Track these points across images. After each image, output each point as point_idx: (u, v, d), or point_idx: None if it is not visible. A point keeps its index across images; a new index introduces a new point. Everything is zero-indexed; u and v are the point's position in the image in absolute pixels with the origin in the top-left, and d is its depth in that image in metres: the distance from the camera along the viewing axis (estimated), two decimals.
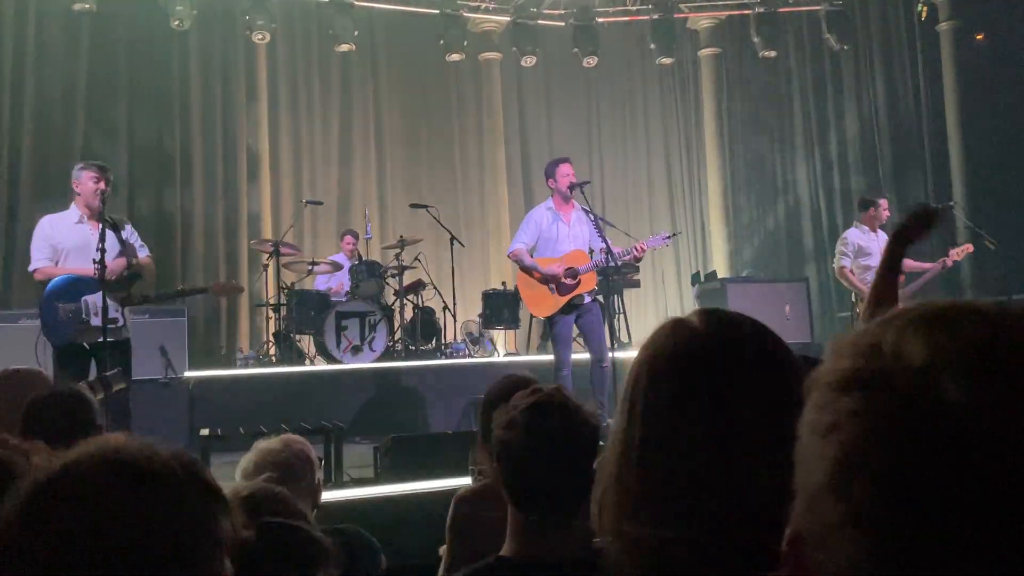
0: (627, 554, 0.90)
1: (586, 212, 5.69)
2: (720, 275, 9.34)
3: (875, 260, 6.19)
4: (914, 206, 2.16)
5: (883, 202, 6.57)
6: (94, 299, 4.34)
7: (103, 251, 4.30)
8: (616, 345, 6.03)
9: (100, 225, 4.43)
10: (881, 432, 0.45)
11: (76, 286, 4.40)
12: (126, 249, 4.49)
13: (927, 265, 6.57)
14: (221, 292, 5.30)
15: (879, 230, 6.48)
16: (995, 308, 0.48)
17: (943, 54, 9.97)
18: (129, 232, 4.69)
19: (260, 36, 8.92)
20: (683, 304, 10.58)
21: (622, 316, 8.22)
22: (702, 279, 9.12)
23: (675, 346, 0.95)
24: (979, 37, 9.65)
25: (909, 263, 6.25)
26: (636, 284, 8.52)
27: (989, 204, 8.95)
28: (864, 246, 6.36)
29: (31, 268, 4.60)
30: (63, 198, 8.32)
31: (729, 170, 11.04)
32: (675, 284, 10.85)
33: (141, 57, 9.00)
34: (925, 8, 9.92)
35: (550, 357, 6.15)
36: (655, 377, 0.94)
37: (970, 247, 6.73)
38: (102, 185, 4.56)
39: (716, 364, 0.92)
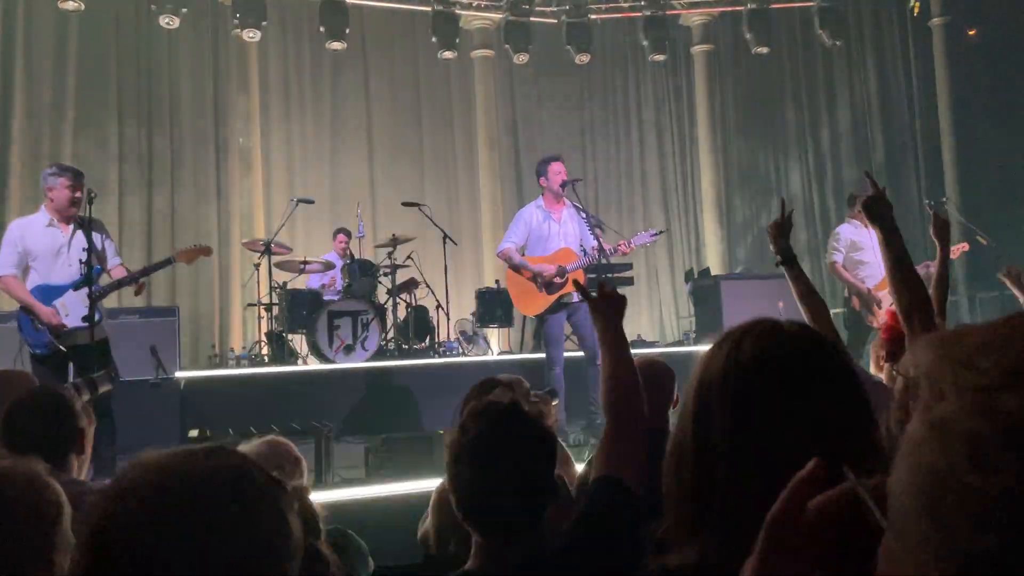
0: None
1: (578, 209, 5.66)
2: (714, 272, 9.32)
3: (868, 255, 6.16)
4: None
5: None
6: (62, 301, 4.33)
7: (90, 252, 4.28)
8: None
9: (71, 227, 4.41)
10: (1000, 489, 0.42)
11: (47, 293, 4.39)
12: (93, 254, 4.38)
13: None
14: (188, 258, 5.01)
15: (871, 226, 6.42)
16: None
17: (935, 50, 9.99)
18: (104, 239, 4.61)
19: (251, 34, 8.87)
20: (677, 301, 10.58)
21: None
22: (695, 276, 9.10)
23: (727, 365, 0.97)
24: (971, 32, 9.66)
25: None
26: (629, 281, 8.48)
27: (981, 199, 8.97)
28: (856, 241, 6.30)
29: None
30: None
31: (722, 166, 11.03)
32: (669, 281, 10.84)
33: (130, 56, 8.96)
34: (917, 4, 9.94)
35: (543, 355, 6.13)
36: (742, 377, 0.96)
37: (966, 245, 6.70)
38: (77, 193, 4.47)
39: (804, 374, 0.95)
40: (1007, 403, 0.42)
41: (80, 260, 4.31)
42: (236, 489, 0.81)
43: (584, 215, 5.64)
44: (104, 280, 4.62)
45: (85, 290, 4.31)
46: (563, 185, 5.56)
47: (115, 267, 4.65)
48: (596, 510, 1.47)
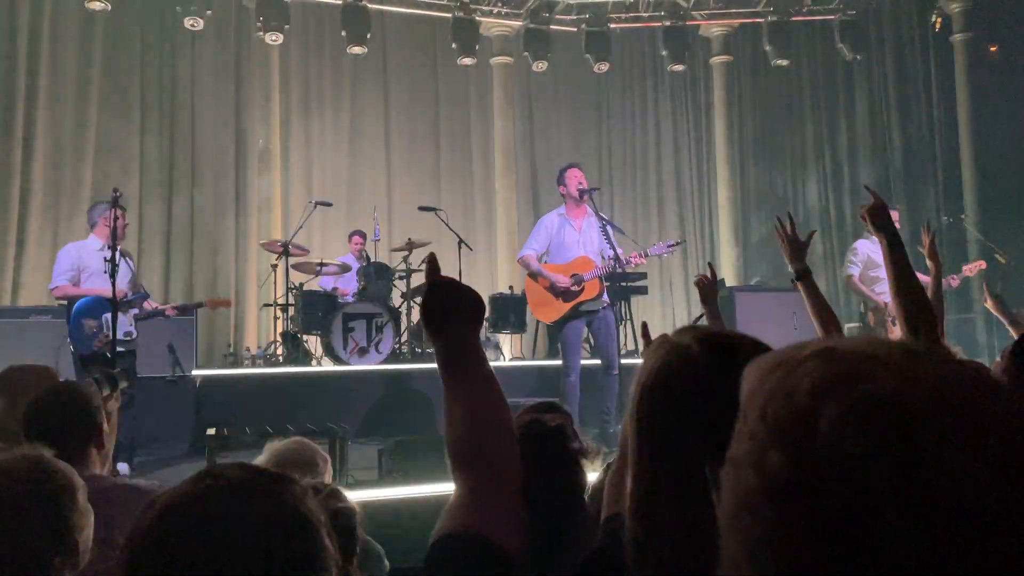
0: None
1: (598, 216, 5.68)
2: (728, 283, 9.30)
3: (884, 271, 6.12)
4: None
5: (892, 213, 6.46)
6: (109, 317, 4.98)
7: (114, 274, 4.74)
8: (623, 352, 6.02)
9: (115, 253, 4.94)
10: (764, 472, 0.46)
11: (100, 306, 4.99)
12: (135, 275, 5.37)
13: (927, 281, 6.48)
14: (212, 306, 6.07)
15: None
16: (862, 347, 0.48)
17: (956, 65, 9.94)
18: (133, 267, 5.50)
19: (273, 38, 8.95)
20: (691, 312, 10.56)
21: (628, 323, 8.20)
22: None
23: (670, 374, 0.95)
24: (993, 49, 9.62)
25: (921, 277, 6.09)
26: (644, 291, 8.49)
27: (1000, 217, 8.91)
28: (874, 257, 6.29)
29: (52, 286, 5.24)
30: (73, 196, 8.41)
31: (739, 178, 11.01)
32: (683, 292, 10.83)
33: (154, 57, 9.06)
34: (939, 19, 9.90)
35: (556, 362, 6.14)
36: (654, 403, 0.95)
37: (983, 263, 6.65)
38: (123, 220, 5.17)
39: (713, 396, 0.91)
40: (772, 460, 0.45)
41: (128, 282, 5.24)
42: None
43: (601, 223, 5.66)
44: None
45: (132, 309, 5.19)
46: (580, 192, 5.59)
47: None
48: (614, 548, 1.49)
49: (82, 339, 5.00)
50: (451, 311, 1.12)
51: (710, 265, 2.91)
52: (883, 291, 6.17)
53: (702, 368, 0.93)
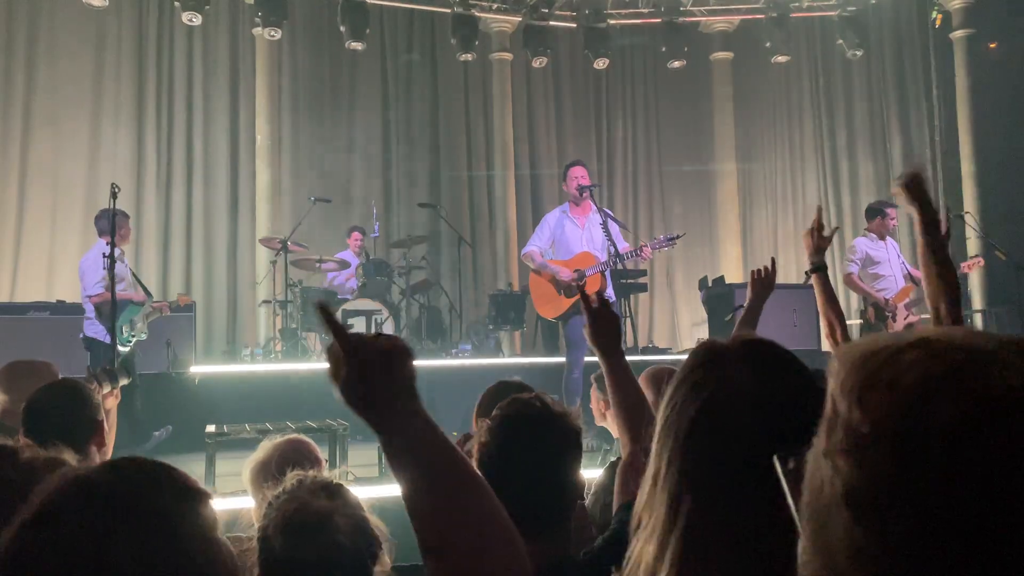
0: None
1: (599, 211, 5.69)
2: (729, 280, 9.29)
3: (884, 269, 6.20)
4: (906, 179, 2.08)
5: (891, 211, 6.49)
6: (133, 317, 5.63)
7: (113, 271, 5.04)
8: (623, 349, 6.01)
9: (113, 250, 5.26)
10: (873, 473, 0.44)
11: (130, 309, 5.60)
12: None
13: None
14: (182, 302, 6.30)
15: (888, 239, 6.44)
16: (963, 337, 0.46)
17: (956, 62, 9.93)
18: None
19: (272, 33, 8.93)
20: (691, 307, 10.56)
21: (628, 319, 8.20)
22: (710, 284, 9.08)
23: (722, 393, 0.90)
24: (992, 45, 9.60)
25: (916, 272, 6.17)
26: (644, 288, 8.49)
27: (1000, 214, 8.91)
28: (873, 255, 6.33)
29: (91, 293, 5.66)
30: (70, 194, 8.39)
31: (739, 175, 11.01)
32: (683, 287, 10.82)
33: (152, 52, 9.04)
34: (939, 16, 9.88)
35: (555, 359, 6.14)
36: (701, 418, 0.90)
37: (981, 260, 6.64)
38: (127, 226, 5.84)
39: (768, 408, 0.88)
40: (877, 457, 0.43)
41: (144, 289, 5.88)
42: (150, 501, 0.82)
43: (601, 223, 5.66)
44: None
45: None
46: (580, 189, 5.60)
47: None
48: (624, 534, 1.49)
49: (121, 340, 5.48)
50: (378, 385, 0.83)
51: (819, 208, 2.80)
52: (883, 288, 6.19)
53: (748, 385, 0.90)
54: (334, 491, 1.42)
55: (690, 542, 0.85)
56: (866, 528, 0.43)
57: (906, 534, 0.42)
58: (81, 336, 5.76)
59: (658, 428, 0.93)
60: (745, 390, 0.89)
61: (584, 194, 5.62)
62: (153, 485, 0.84)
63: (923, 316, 9.23)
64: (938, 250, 1.96)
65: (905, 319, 6.04)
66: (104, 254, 5.10)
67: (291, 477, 1.43)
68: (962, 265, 6.54)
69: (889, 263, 6.25)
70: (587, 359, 5.70)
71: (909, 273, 6.27)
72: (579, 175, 5.64)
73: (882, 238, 6.40)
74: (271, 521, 1.30)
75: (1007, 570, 0.39)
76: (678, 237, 6.02)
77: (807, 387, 0.91)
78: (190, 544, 0.82)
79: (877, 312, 6.15)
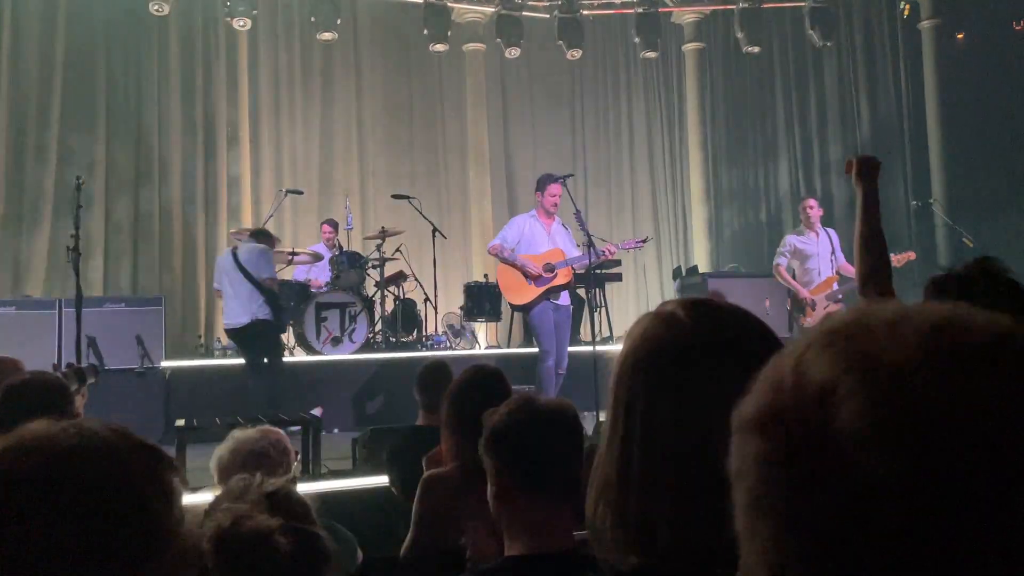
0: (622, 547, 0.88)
1: (575, 215, 5.85)
2: (702, 269, 9.36)
3: (812, 263, 6.53)
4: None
5: (809, 201, 6.80)
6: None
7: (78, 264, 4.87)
8: (598, 339, 6.10)
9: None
10: (775, 473, 0.43)
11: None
12: None
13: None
14: None
15: (820, 230, 6.68)
16: (885, 323, 0.44)
17: (924, 52, 10.05)
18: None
19: (241, 23, 8.80)
20: (664, 297, 10.60)
21: (603, 310, 8.22)
22: (683, 273, 9.14)
23: (663, 339, 0.91)
24: (960, 36, 9.73)
25: (847, 268, 6.51)
26: (618, 278, 8.52)
27: (968, 201, 9.04)
28: (801, 248, 6.62)
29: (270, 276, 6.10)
30: (37, 186, 8.23)
31: (711, 164, 11.07)
32: (656, 278, 10.87)
33: (119, 43, 8.88)
34: (908, 6, 9.99)
35: (532, 350, 6.16)
36: (644, 372, 0.90)
37: (912, 254, 6.82)
38: None
39: (705, 357, 0.89)
40: (747, 446, 0.44)
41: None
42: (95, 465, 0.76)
43: (575, 213, 5.81)
44: None
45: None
46: (555, 207, 5.85)
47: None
48: None
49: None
50: None
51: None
52: (808, 280, 6.51)
53: (688, 329, 0.91)
54: (280, 501, 1.29)
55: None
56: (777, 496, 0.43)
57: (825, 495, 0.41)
58: (251, 320, 5.85)
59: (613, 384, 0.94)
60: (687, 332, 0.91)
61: (555, 211, 5.87)
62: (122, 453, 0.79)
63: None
64: (872, 230, 2.06)
65: (825, 309, 6.36)
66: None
67: (237, 480, 1.33)
68: (893, 257, 6.71)
69: (818, 256, 6.55)
70: (570, 349, 5.85)
71: (840, 268, 6.53)
72: (556, 192, 5.81)
73: (810, 229, 6.67)
74: (206, 533, 1.18)
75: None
76: (646, 240, 6.36)
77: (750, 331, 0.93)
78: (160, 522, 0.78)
79: (795, 303, 6.47)
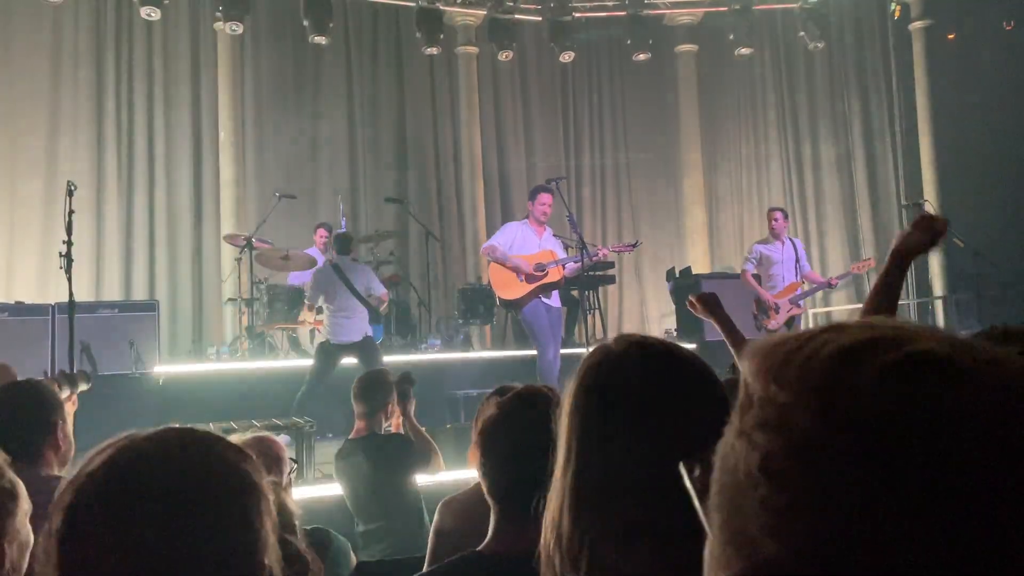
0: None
1: (568, 218, 5.94)
2: (696, 270, 9.37)
3: (776, 269, 6.87)
4: (916, 218, 2.07)
5: (775, 212, 7.13)
6: None
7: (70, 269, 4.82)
8: (592, 341, 6.11)
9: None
10: (778, 478, 0.44)
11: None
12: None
13: (819, 279, 7.16)
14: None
15: (785, 240, 7.01)
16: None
17: (915, 52, 10.09)
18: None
19: (233, 27, 8.78)
20: (659, 299, 10.63)
21: (597, 312, 8.23)
22: (677, 275, 9.15)
23: (596, 374, 0.99)
24: (950, 36, 9.77)
25: (811, 275, 7.07)
26: (612, 280, 8.54)
27: (959, 201, 9.07)
28: (767, 255, 6.94)
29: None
30: (28, 194, 8.20)
31: (704, 166, 11.09)
32: (651, 280, 10.89)
33: (110, 48, 8.85)
34: (899, 7, 10.03)
35: (526, 352, 6.18)
36: (579, 407, 0.98)
37: (872, 262, 7.09)
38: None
39: (632, 388, 0.96)
40: (797, 420, 0.44)
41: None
42: (205, 481, 0.82)
43: (568, 216, 5.86)
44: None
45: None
46: (544, 215, 5.88)
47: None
48: None
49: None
50: None
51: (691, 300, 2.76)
52: (772, 286, 6.81)
53: (634, 365, 0.99)
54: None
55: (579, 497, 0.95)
56: (788, 493, 0.43)
57: (832, 489, 0.42)
58: (363, 338, 6.05)
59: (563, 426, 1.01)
60: (636, 388, 0.98)
61: (545, 220, 5.91)
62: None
63: (822, 311, 9.53)
64: (891, 294, 2.00)
65: (788, 311, 6.71)
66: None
67: None
68: (851, 267, 7.16)
69: (782, 264, 6.90)
70: (564, 351, 5.85)
71: (804, 275, 6.96)
72: (546, 202, 5.86)
73: (777, 238, 7.00)
74: None
75: (935, 511, 0.40)
76: (637, 244, 6.43)
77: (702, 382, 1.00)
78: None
79: (759, 305, 6.77)
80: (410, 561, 2.24)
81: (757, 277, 6.91)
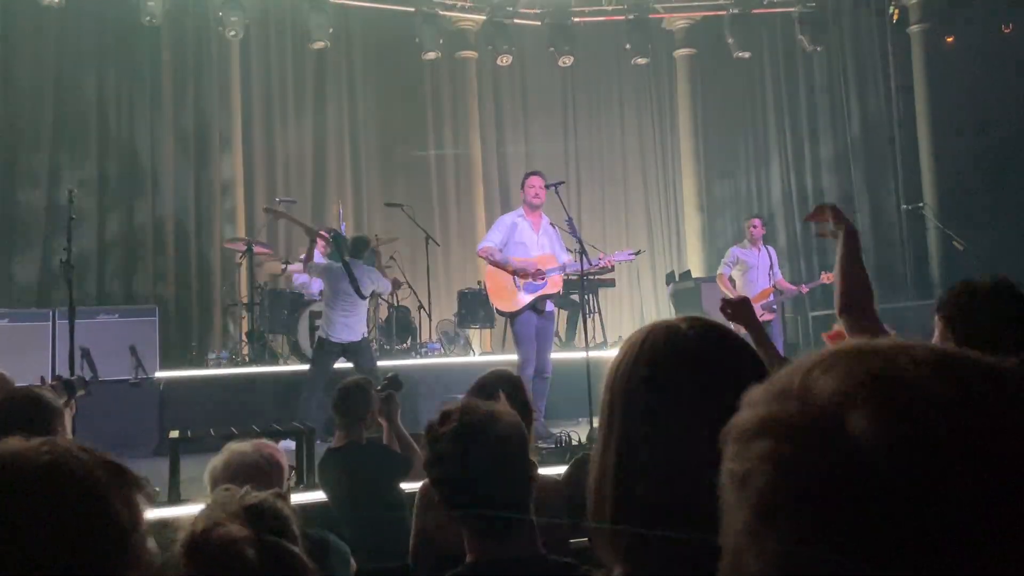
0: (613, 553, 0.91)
1: (568, 220, 5.85)
2: (695, 274, 9.38)
3: (752, 274, 7.05)
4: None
5: (754, 220, 7.37)
6: None
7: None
8: (591, 345, 6.11)
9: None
10: (791, 474, 0.45)
11: None
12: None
13: (790, 288, 7.35)
14: None
15: (762, 247, 7.22)
16: (891, 345, 0.48)
17: (914, 56, 10.10)
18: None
19: (233, 32, 8.81)
20: (658, 303, 10.64)
21: (597, 315, 8.23)
22: (676, 278, 9.16)
23: (667, 349, 0.96)
24: (949, 40, 9.77)
25: (783, 283, 7.31)
26: (611, 284, 8.54)
27: (958, 205, 9.08)
28: (744, 259, 7.13)
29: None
30: (30, 205, 8.21)
31: (703, 170, 11.10)
32: (650, 283, 10.89)
33: (111, 53, 8.86)
34: (897, 11, 10.04)
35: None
36: (645, 380, 0.95)
37: (829, 276, 7.15)
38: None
39: (707, 367, 0.95)
40: (755, 448, 0.46)
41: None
42: (47, 479, 0.82)
43: (567, 220, 5.81)
44: None
45: None
46: (535, 198, 5.79)
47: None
48: None
49: None
50: None
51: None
52: (747, 290, 6.92)
53: (692, 343, 0.97)
54: (259, 514, 1.26)
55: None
56: (781, 530, 0.44)
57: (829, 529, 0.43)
58: (361, 338, 6.24)
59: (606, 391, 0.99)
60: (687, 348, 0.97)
61: (538, 203, 5.80)
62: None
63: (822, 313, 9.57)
64: (854, 259, 2.12)
65: (760, 316, 6.78)
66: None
67: (220, 491, 1.32)
68: (822, 275, 7.26)
69: (757, 269, 7.10)
70: (555, 356, 5.82)
71: (776, 283, 7.18)
72: (535, 184, 5.78)
73: (754, 245, 7.23)
74: (180, 539, 1.20)
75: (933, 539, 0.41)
76: (638, 253, 6.43)
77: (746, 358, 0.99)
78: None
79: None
80: (405, 569, 2.25)
81: (732, 281, 7.08)
